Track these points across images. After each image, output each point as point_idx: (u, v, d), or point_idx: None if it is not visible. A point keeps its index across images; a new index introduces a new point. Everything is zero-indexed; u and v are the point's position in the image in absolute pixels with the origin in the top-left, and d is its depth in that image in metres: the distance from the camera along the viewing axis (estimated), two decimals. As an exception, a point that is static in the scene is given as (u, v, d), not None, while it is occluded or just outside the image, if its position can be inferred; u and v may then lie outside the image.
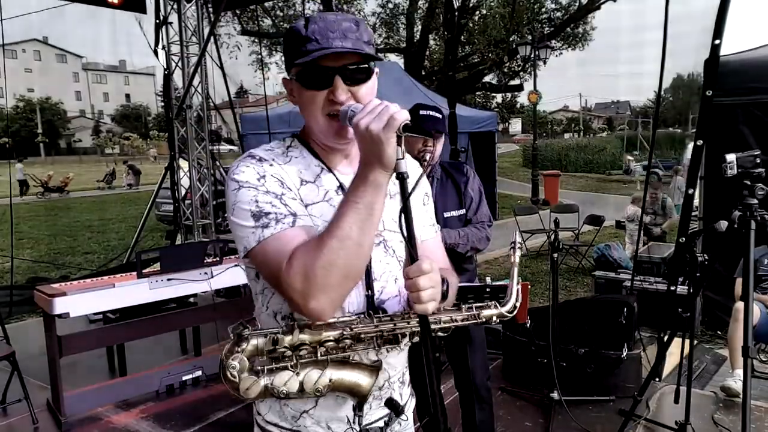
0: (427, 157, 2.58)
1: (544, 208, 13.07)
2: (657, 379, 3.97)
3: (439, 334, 1.26)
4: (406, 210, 1.08)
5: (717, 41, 3.62)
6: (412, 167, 1.41)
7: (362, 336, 1.19)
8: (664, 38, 4.07)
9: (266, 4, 16.44)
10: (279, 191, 1.20)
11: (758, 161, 2.60)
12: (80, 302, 3.62)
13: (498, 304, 1.34)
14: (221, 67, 7.20)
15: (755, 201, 2.56)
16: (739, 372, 3.53)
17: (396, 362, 1.33)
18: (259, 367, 1.17)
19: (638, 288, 5.18)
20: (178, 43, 6.64)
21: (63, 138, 63.32)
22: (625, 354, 3.83)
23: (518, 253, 1.48)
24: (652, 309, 4.82)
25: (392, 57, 20.07)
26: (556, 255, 3.74)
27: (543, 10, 18.73)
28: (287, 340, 1.16)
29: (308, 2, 17.82)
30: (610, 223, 9.69)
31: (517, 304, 1.36)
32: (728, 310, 3.98)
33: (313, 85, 1.20)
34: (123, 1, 6.46)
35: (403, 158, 1.08)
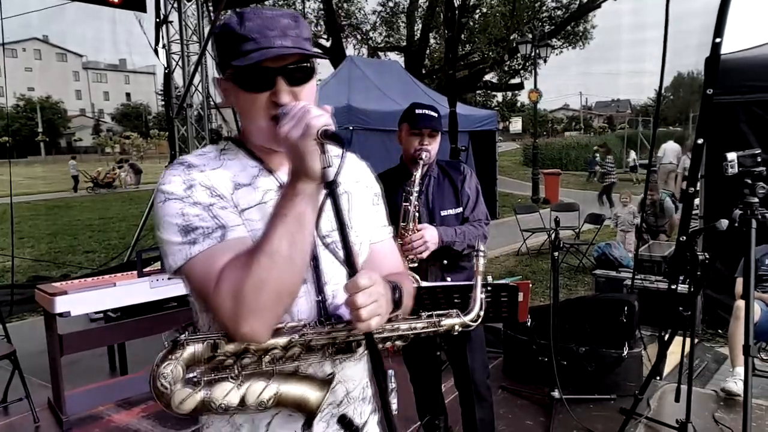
0: (423, 156, 2.58)
1: (544, 206, 13.08)
2: (658, 378, 3.97)
3: (397, 343, 1.20)
4: (339, 221, 1.03)
5: (718, 39, 3.61)
6: (355, 170, 1.34)
7: (313, 344, 1.10)
8: (665, 36, 4.07)
9: (266, 3, 16.43)
10: (207, 201, 1.11)
11: (759, 160, 2.59)
12: (81, 301, 3.62)
13: (460, 313, 1.27)
14: (222, 66, 7.20)
15: (756, 200, 2.56)
16: (740, 370, 3.53)
17: (354, 374, 1.24)
18: (196, 378, 1.06)
19: (639, 287, 5.19)
20: (179, 41, 6.66)
21: (63, 137, 63.35)
22: (625, 353, 3.83)
23: (482, 261, 1.43)
24: (653, 308, 4.81)
25: (392, 55, 20.11)
26: (556, 254, 3.74)
27: (543, 8, 18.75)
28: (230, 347, 1.06)
29: (308, 0, 17.84)
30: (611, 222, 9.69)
31: (481, 314, 1.30)
32: (729, 309, 3.98)
33: (252, 87, 1.12)
34: (123, 0, 6.47)
35: (330, 166, 1.01)
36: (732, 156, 2.59)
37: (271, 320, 1.05)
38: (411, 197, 2.52)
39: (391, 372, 3.63)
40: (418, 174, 2.55)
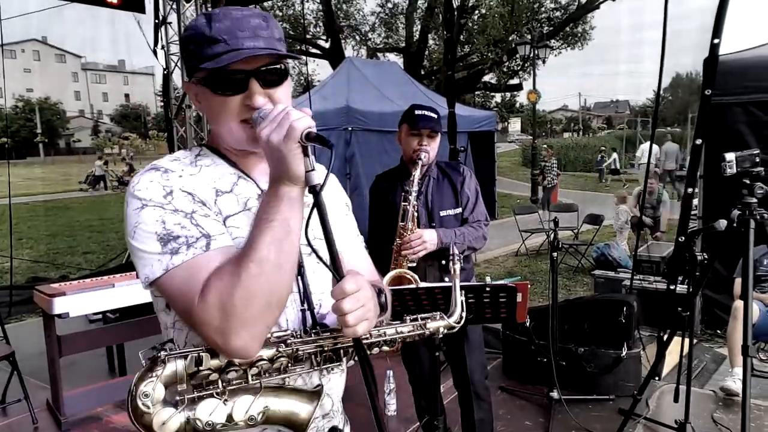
0: (422, 156, 2.60)
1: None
2: (656, 378, 3.97)
3: (384, 348, 1.17)
4: (324, 226, 0.98)
5: (716, 40, 3.62)
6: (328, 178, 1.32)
7: (300, 354, 1.06)
8: (663, 37, 4.07)
9: (265, 4, 16.43)
10: (189, 209, 1.05)
11: (757, 160, 2.60)
12: (80, 302, 3.61)
13: (444, 315, 1.26)
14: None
15: (754, 200, 2.56)
16: (739, 370, 3.53)
17: (338, 387, 1.24)
18: (178, 397, 1.00)
19: (638, 287, 5.19)
20: (178, 42, 6.64)
21: (62, 138, 63.29)
22: (624, 353, 3.83)
23: (458, 265, 1.44)
24: (652, 308, 4.82)
25: (391, 56, 20.13)
26: (555, 254, 3.74)
27: (542, 9, 18.75)
28: (213, 362, 1.00)
29: (307, 1, 17.85)
30: (610, 222, 9.70)
31: (463, 315, 1.28)
32: (728, 309, 3.99)
33: (225, 90, 1.08)
34: (122, 1, 6.45)
35: (313, 169, 0.98)
36: (730, 156, 2.59)
37: (261, 332, 1.01)
38: (410, 197, 2.54)
39: (390, 372, 3.63)
40: (417, 173, 2.57)
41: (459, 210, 2.75)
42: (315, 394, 1.09)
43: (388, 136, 8.87)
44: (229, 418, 1.01)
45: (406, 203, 2.55)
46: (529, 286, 2.31)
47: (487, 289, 2.16)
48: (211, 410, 1.00)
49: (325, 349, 1.09)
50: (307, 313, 1.15)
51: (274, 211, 0.98)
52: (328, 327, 1.13)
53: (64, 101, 63.86)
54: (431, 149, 2.65)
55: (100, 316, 4.08)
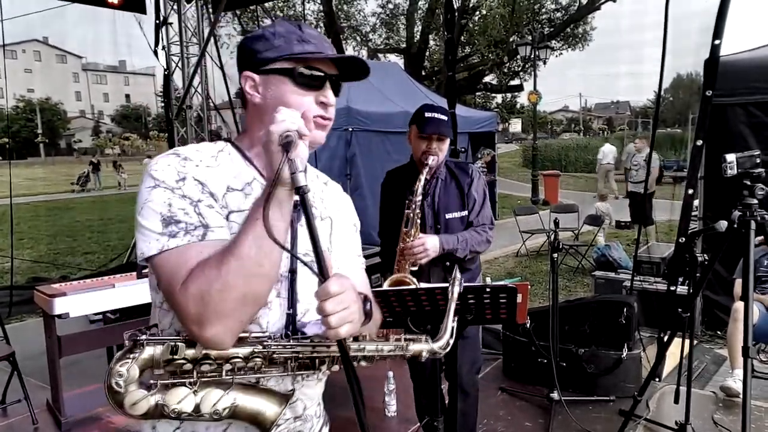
0: (430, 161, 2.59)
1: (544, 208, 13.08)
2: (657, 379, 3.97)
3: (362, 363, 1.15)
4: (310, 227, 0.97)
5: (717, 41, 3.61)
6: (339, 200, 1.37)
7: (275, 357, 1.08)
8: (664, 38, 4.07)
9: (266, 5, 16.42)
10: (197, 197, 1.10)
11: (758, 161, 2.60)
12: (80, 302, 3.61)
13: (430, 339, 1.22)
14: (221, 68, 7.19)
15: (755, 201, 2.56)
16: (739, 372, 3.53)
17: (313, 393, 1.26)
18: (151, 381, 1.04)
19: (638, 288, 5.18)
20: (178, 43, 6.66)
21: (63, 138, 63.37)
22: (625, 354, 3.83)
23: (457, 289, 1.38)
24: (652, 309, 4.82)
25: (392, 57, 20.13)
26: (556, 255, 3.74)
27: (543, 10, 18.77)
28: (189, 352, 1.04)
29: (308, 2, 17.86)
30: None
31: (451, 341, 1.24)
32: (728, 310, 3.98)
33: (307, 85, 1.17)
34: (123, 2, 6.47)
35: (297, 171, 0.98)
36: (731, 157, 2.59)
37: (235, 326, 1.03)
38: (413, 204, 2.54)
39: (390, 373, 3.63)
40: (423, 178, 2.56)
41: (465, 213, 2.75)
42: (285, 398, 1.11)
43: (389, 136, 8.87)
44: (197, 408, 1.04)
45: (409, 211, 2.54)
46: (529, 287, 2.31)
47: (488, 289, 2.15)
48: (180, 398, 1.03)
49: (301, 356, 1.10)
50: (292, 318, 1.16)
51: (260, 210, 1.00)
52: (307, 335, 1.14)
53: (65, 102, 63.95)
54: (439, 153, 2.64)
55: (100, 316, 4.06)
